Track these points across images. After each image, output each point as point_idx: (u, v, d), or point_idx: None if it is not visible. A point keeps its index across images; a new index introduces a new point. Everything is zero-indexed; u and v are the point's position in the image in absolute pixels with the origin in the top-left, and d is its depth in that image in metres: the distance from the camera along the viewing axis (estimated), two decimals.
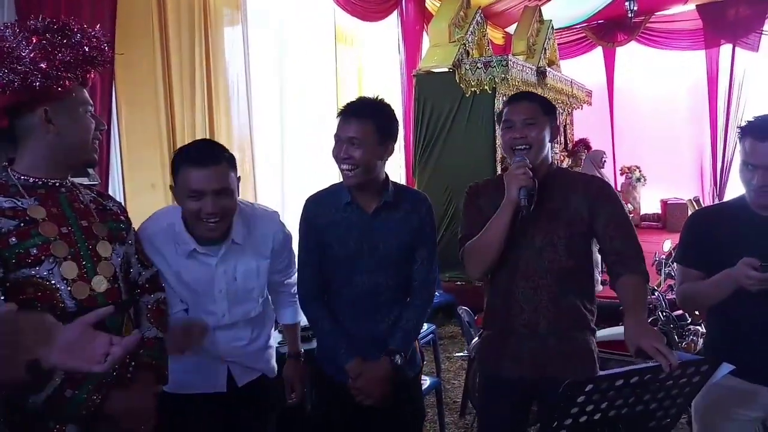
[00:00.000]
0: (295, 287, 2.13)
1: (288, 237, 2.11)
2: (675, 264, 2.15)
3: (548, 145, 1.99)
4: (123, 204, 1.86)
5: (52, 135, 1.48)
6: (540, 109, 1.96)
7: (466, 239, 1.99)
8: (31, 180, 1.50)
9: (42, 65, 1.39)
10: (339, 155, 1.92)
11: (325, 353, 2.08)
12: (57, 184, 1.54)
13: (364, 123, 1.90)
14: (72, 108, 1.50)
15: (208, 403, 1.91)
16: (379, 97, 2.03)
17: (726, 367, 1.51)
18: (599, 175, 6.89)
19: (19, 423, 1.42)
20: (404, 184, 2.23)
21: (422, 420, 2.19)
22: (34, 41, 1.41)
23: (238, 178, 1.89)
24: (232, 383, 2.00)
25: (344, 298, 2.02)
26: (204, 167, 1.78)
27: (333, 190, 2.06)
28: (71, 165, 1.57)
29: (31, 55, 1.39)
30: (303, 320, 2.18)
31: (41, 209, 1.47)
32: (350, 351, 1.96)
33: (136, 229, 1.81)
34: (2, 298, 1.39)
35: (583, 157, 8.13)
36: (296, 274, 2.13)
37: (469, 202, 2.07)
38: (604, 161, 7.39)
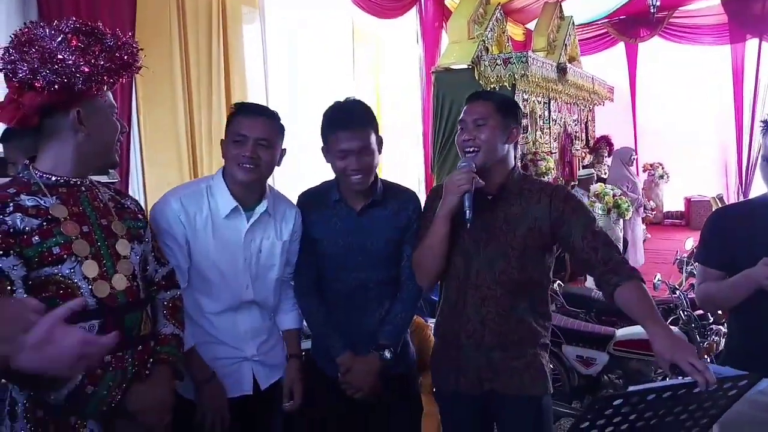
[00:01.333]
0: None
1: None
2: (695, 263, 2.10)
3: (504, 147, 1.88)
4: (142, 202, 1.87)
5: (81, 136, 1.50)
6: (494, 108, 1.85)
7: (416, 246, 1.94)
8: (53, 179, 1.51)
9: (85, 69, 1.41)
10: (351, 167, 1.91)
11: (318, 346, 2.11)
12: (78, 183, 1.55)
13: (364, 128, 1.92)
14: (101, 110, 1.52)
15: (232, 409, 1.90)
16: (352, 98, 2.04)
17: (765, 382, 1.46)
18: (627, 174, 6.81)
19: (41, 419, 1.44)
20: (394, 182, 2.19)
21: (420, 415, 2.18)
22: (74, 44, 1.42)
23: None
24: (255, 387, 1.99)
25: (334, 294, 2.05)
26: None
27: (324, 187, 2.08)
28: (96, 165, 1.60)
29: (73, 58, 1.41)
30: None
31: (63, 208, 1.49)
32: (341, 344, 1.99)
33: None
34: (24, 296, 1.40)
35: (605, 155, 8.05)
36: None
37: (427, 206, 1.99)
38: (633, 159, 7.20)
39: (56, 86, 1.40)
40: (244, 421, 1.97)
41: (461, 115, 1.90)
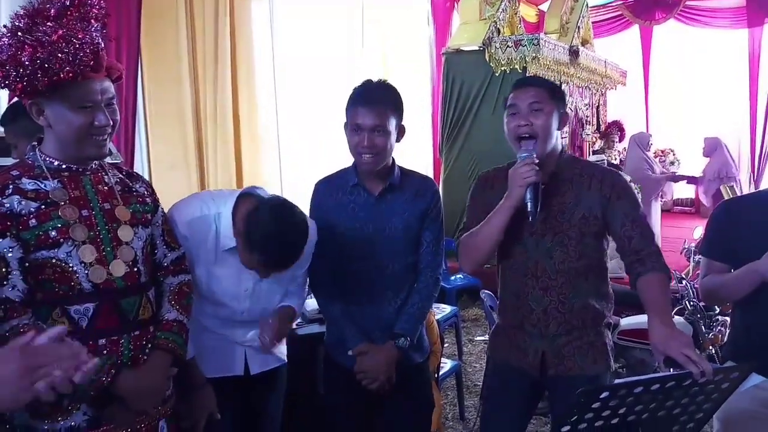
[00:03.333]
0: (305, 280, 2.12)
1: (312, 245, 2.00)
2: (701, 255, 2.07)
3: (557, 133, 1.88)
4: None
5: (45, 126, 1.48)
6: (547, 95, 1.85)
7: (467, 231, 1.93)
8: (56, 163, 1.51)
9: (19, 67, 1.36)
10: (362, 144, 1.89)
11: (333, 337, 2.09)
12: (81, 169, 1.54)
13: (384, 109, 1.90)
14: (61, 103, 1.44)
15: (224, 387, 1.91)
16: (383, 79, 2.02)
17: (756, 377, 1.44)
18: (645, 158, 6.72)
19: (35, 401, 1.44)
20: (413, 166, 2.16)
21: (431, 408, 2.18)
22: (10, 42, 1.37)
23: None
24: (247, 370, 2.00)
25: (351, 282, 2.02)
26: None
27: (341, 173, 2.07)
28: (75, 156, 1.53)
29: (8, 55, 1.36)
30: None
31: (63, 192, 1.48)
32: (357, 335, 1.98)
33: (164, 209, 1.78)
34: (21, 278, 1.42)
35: (616, 140, 7.96)
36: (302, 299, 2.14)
37: (475, 194, 1.99)
38: (651, 144, 7.11)
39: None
40: (238, 400, 1.97)
41: (510, 100, 1.87)
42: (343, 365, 2.01)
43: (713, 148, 6.67)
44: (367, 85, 1.98)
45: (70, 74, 1.38)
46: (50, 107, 1.45)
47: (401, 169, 2.06)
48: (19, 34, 1.37)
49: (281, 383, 2.15)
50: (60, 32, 1.37)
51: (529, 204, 1.75)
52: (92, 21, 1.45)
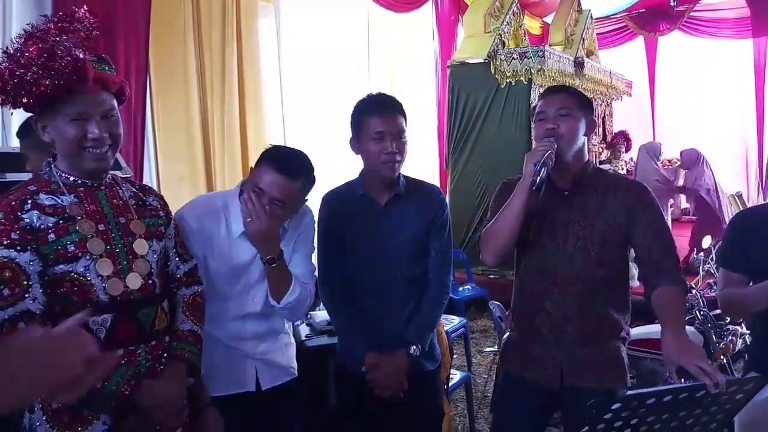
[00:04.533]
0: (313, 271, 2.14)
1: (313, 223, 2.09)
2: (718, 267, 2.04)
3: (583, 139, 1.88)
4: None
5: (51, 142, 1.52)
6: (576, 102, 1.87)
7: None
8: (71, 178, 1.54)
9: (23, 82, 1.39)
10: (385, 150, 1.92)
11: (345, 347, 2.10)
12: (96, 184, 1.57)
13: (401, 118, 1.97)
14: (58, 117, 1.48)
15: (236, 405, 1.91)
16: (380, 93, 2.09)
17: None
18: (657, 167, 6.70)
19: (57, 411, 1.47)
20: (420, 177, 2.18)
21: (441, 417, 2.18)
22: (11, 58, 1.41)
23: None
24: (258, 386, 1.99)
25: (361, 291, 2.04)
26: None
27: (347, 185, 2.10)
28: (80, 169, 1.55)
29: (8, 71, 1.39)
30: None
31: (80, 206, 1.51)
32: (368, 344, 1.98)
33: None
34: (40, 291, 1.44)
35: (622, 150, 7.95)
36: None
37: (498, 195, 2.00)
38: (662, 154, 7.09)
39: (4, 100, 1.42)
40: (251, 419, 1.96)
41: (539, 107, 1.89)
42: (355, 373, 2.01)
43: (693, 160, 6.66)
44: (377, 95, 2.03)
45: (50, 87, 1.40)
46: (50, 122, 1.49)
47: (407, 178, 2.07)
48: (15, 55, 1.40)
49: (293, 400, 2.14)
50: (34, 47, 1.40)
51: (538, 178, 1.74)
52: (70, 35, 1.46)
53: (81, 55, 1.45)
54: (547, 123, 1.85)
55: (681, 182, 7.11)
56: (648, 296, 1.80)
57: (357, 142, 1.99)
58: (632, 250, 1.92)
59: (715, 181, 6.63)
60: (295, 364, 2.13)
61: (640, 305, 2.11)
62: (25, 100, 1.41)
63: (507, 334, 2.13)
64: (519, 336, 2.00)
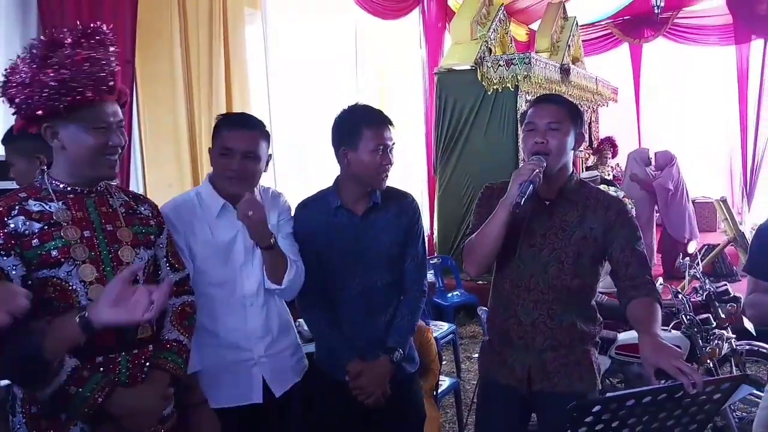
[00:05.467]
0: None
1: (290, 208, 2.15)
2: (746, 273, 2.05)
3: (570, 153, 1.89)
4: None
5: (58, 149, 1.53)
6: (567, 113, 1.86)
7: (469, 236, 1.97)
8: (62, 186, 1.55)
9: (42, 92, 1.43)
10: (385, 162, 1.97)
11: (323, 351, 2.11)
12: (86, 191, 1.58)
13: (390, 127, 2.01)
14: (76, 125, 1.50)
15: (234, 418, 1.89)
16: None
17: (746, 389, 1.44)
18: (645, 174, 6.72)
19: (35, 415, 1.48)
20: (409, 184, 2.23)
21: (423, 420, 2.18)
22: (34, 66, 1.44)
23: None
24: (266, 396, 1.97)
25: (340, 300, 2.05)
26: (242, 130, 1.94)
27: (321, 195, 2.10)
28: (86, 176, 1.58)
29: (29, 79, 1.43)
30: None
31: (67, 213, 1.53)
32: (349, 351, 1.99)
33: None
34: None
35: (609, 156, 8.00)
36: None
37: (481, 202, 2.01)
38: (651, 159, 6.99)
39: (17, 104, 1.46)
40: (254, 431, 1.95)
41: (528, 117, 1.89)
42: (335, 378, 2.01)
43: (667, 160, 6.69)
44: (365, 106, 2.06)
45: (91, 95, 1.46)
46: (65, 129, 1.50)
47: None
48: (38, 60, 1.44)
49: (297, 403, 2.13)
50: (84, 54, 1.46)
51: (521, 198, 1.73)
52: (109, 47, 1.53)
53: (117, 67, 1.53)
54: (536, 136, 1.84)
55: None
56: (624, 308, 1.83)
57: (351, 151, 1.97)
58: (606, 264, 1.94)
59: (683, 186, 6.64)
60: (306, 363, 2.14)
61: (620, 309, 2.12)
62: (60, 107, 1.44)
63: (484, 339, 2.16)
64: (492, 340, 2.03)
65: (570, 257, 1.85)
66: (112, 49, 1.54)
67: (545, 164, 1.80)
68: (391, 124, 2.01)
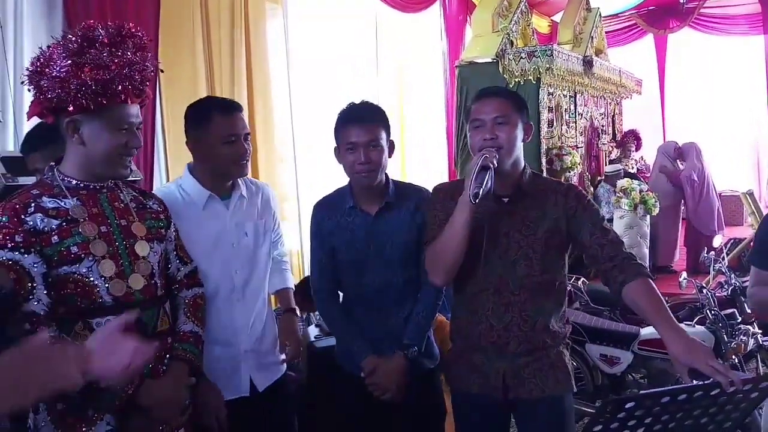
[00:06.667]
0: (284, 257, 2.31)
1: (275, 196, 2.22)
2: (749, 264, 2.01)
3: (520, 146, 1.84)
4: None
5: (76, 144, 1.54)
6: (512, 106, 1.81)
7: (428, 244, 1.87)
8: (74, 182, 1.57)
9: (71, 85, 1.45)
10: (358, 161, 1.93)
11: (342, 348, 2.13)
12: (98, 187, 1.60)
13: (377, 127, 1.96)
14: (100, 123, 1.52)
15: (232, 411, 1.92)
16: (363, 101, 2.07)
17: None
18: (673, 167, 6.62)
19: (61, 412, 1.50)
20: (430, 178, 2.22)
21: (443, 416, 2.17)
22: (68, 60, 1.46)
23: None
24: (254, 389, 2.01)
25: (357, 298, 2.07)
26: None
27: (337, 194, 2.10)
28: (100, 174, 1.60)
29: (64, 73, 1.45)
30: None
31: (83, 209, 1.55)
32: (365, 348, 2.00)
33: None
34: (44, 292, 1.47)
35: (632, 149, 7.90)
36: (284, 246, 2.30)
37: (435, 206, 1.91)
38: (679, 153, 6.88)
39: (46, 95, 1.47)
40: (243, 424, 1.97)
41: (473, 113, 1.84)
42: (353, 375, 2.03)
43: (690, 152, 6.60)
44: (352, 105, 2.04)
45: (123, 98, 1.49)
46: (89, 126, 1.52)
47: (395, 183, 2.08)
48: (74, 56, 1.46)
49: (289, 396, 2.16)
50: (125, 59, 1.49)
51: (476, 187, 1.65)
52: (146, 52, 1.56)
53: (152, 73, 1.56)
54: (484, 132, 1.79)
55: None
56: (617, 293, 1.76)
57: (338, 153, 2.01)
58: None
59: (708, 178, 6.55)
60: (284, 357, 2.16)
61: (604, 294, 2.05)
62: (93, 106, 1.46)
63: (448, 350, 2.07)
64: (460, 347, 1.94)
65: (538, 252, 1.80)
66: (149, 54, 1.57)
67: (497, 155, 1.73)
68: (368, 121, 1.96)
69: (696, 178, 6.39)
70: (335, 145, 2.02)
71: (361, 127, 1.94)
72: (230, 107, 1.97)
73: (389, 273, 2.02)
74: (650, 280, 1.73)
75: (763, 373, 1.79)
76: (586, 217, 1.82)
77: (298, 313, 2.36)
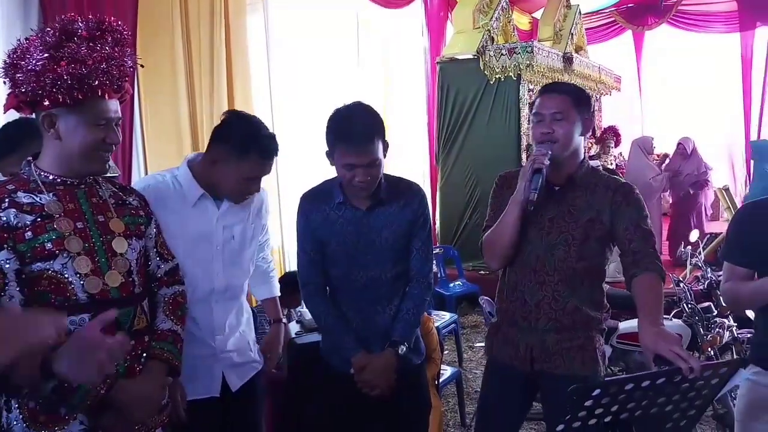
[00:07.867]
0: (270, 264, 2.30)
1: (267, 201, 2.20)
2: (722, 260, 2.03)
3: (579, 140, 1.93)
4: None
5: (53, 138, 1.52)
6: (571, 102, 1.89)
7: (488, 229, 2.00)
8: (51, 177, 1.54)
9: (47, 79, 1.42)
10: (357, 179, 1.88)
11: (329, 346, 2.11)
12: (76, 182, 1.57)
13: (374, 144, 1.87)
14: (77, 117, 1.49)
15: (203, 410, 1.91)
16: (357, 103, 1.96)
17: (744, 374, 1.46)
18: (650, 163, 6.68)
19: (33, 410, 1.47)
20: (410, 174, 2.21)
21: (428, 410, 2.19)
22: (44, 54, 1.44)
23: None
24: (226, 390, 1.99)
25: (345, 293, 2.05)
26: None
27: (326, 187, 2.06)
28: (77, 170, 1.57)
29: (39, 67, 1.42)
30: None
31: (59, 205, 1.52)
32: (354, 344, 1.99)
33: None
34: (17, 289, 1.44)
35: (612, 145, 7.98)
36: (269, 250, 2.30)
37: (495, 193, 2.06)
38: (654, 148, 6.98)
39: (21, 89, 1.45)
40: (214, 424, 1.96)
41: (535, 107, 1.94)
42: (340, 371, 2.02)
43: (692, 148, 6.70)
44: (346, 116, 1.90)
45: (100, 93, 1.47)
46: (65, 120, 1.49)
47: (387, 177, 2.03)
48: (51, 50, 1.43)
49: (260, 394, 2.15)
50: (103, 53, 1.47)
51: (532, 193, 1.81)
52: (126, 47, 1.54)
53: (131, 69, 1.54)
54: (543, 127, 1.89)
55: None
56: (628, 286, 1.86)
57: (331, 159, 1.94)
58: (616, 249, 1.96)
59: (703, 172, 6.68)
60: (259, 356, 2.15)
61: (628, 298, 2.12)
62: (69, 100, 1.44)
63: (491, 321, 2.21)
64: (499, 321, 2.08)
65: (577, 240, 1.89)
66: (129, 49, 1.54)
67: (551, 152, 1.86)
68: (367, 140, 1.85)
69: (705, 169, 6.52)
70: (327, 149, 1.94)
71: (359, 149, 1.85)
72: (271, 154, 1.93)
73: (378, 268, 2.01)
74: (657, 276, 1.81)
75: (723, 361, 1.83)
76: (628, 213, 1.89)
77: (285, 321, 2.37)
